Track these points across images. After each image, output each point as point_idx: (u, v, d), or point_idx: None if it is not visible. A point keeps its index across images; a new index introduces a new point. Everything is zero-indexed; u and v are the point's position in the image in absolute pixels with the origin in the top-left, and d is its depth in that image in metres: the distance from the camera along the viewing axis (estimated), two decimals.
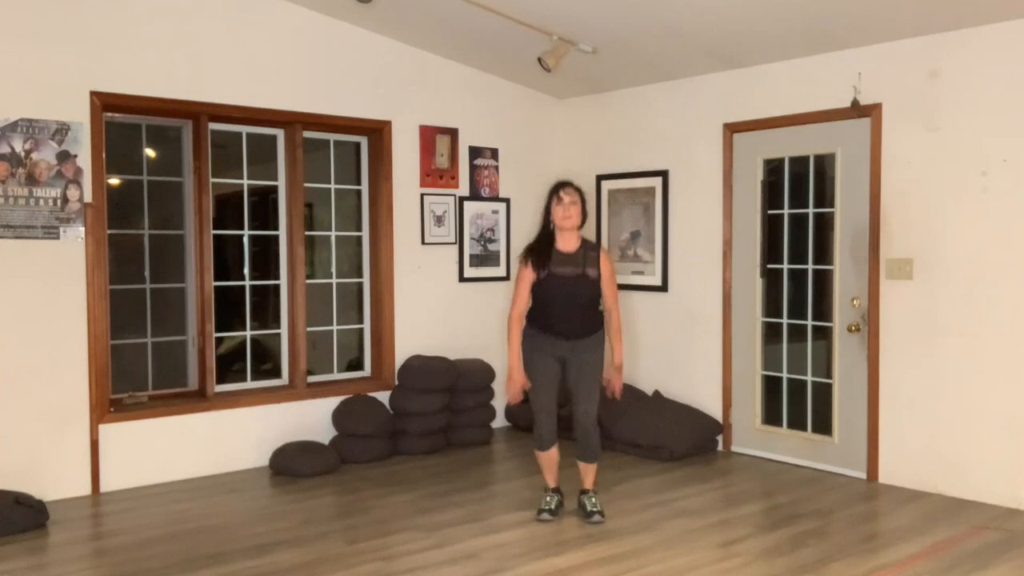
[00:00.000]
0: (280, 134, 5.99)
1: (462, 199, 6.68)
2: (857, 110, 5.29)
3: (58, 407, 5.01)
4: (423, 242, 6.48)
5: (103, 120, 5.17)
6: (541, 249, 4.62)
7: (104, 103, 5.14)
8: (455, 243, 6.66)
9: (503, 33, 5.66)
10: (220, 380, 5.84)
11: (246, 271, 6.07)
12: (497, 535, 4.42)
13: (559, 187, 4.65)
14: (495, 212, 6.86)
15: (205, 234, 5.61)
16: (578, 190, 4.66)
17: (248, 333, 6.10)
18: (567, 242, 4.61)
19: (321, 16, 5.89)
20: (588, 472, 4.75)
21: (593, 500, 4.71)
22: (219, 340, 5.94)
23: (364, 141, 6.40)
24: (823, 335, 5.64)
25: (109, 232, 5.28)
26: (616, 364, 4.69)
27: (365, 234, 6.41)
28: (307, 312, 6.02)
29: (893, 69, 5.16)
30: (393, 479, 5.49)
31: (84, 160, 5.07)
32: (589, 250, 4.64)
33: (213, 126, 5.66)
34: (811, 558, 4.05)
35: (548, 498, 4.75)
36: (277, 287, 6.06)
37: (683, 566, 3.97)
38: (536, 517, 4.68)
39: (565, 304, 4.56)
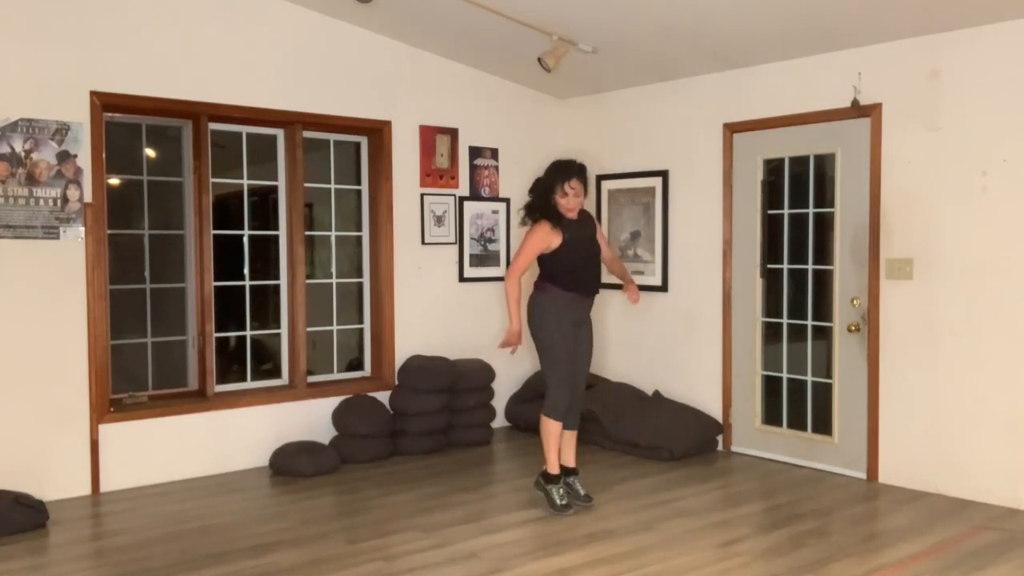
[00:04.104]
0: (280, 134, 5.99)
1: (462, 199, 6.68)
2: (857, 110, 5.29)
3: (58, 407, 5.01)
4: (423, 242, 6.48)
5: (103, 120, 5.17)
6: (555, 217, 4.73)
7: (104, 103, 5.14)
8: (455, 243, 6.66)
9: (503, 33, 5.66)
10: (225, 378, 5.85)
11: (246, 271, 6.06)
12: (497, 535, 4.42)
13: (565, 177, 4.70)
14: (495, 212, 6.86)
15: (205, 234, 5.61)
16: (582, 179, 4.78)
17: (248, 333, 6.09)
18: (570, 213, 4.80)
19: (321, 16, 5.89)
20: (573, 443, 4.96)
21: (580, 481, 4.94)
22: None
23: (364, 141, 6.40)
24: (823, 335, 5.64)
25: (109, 232, 5.28)
26: (631, 280, 5.17)
27: (365, 234, 6.41)
28: (307, 312, 6.02)
29: (893, 69, 5.16)
30: (393, 479, 5.49)
31: (84, 160, 5.07)
32: (584, 214, 4.91)
33: (213, 126, 5.66)
34: (811, 558, 4.05)
35: (560, 491, 4.79)
36: (277, 287, 6.06)
37: (683, 566, 3.97)
38: (562, 513, 4.70)
39: (588, 264, 4.85)
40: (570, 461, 4.93)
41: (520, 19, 5.37)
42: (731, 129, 6.02)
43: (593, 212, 6.84)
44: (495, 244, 6.87)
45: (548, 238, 4.69)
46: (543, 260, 4.78)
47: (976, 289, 4.89)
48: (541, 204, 4.75)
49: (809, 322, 5.72)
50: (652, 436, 5.92)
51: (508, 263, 6.83)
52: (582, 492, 4.88)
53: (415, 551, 4.19)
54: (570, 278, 4.75)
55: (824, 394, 5.63)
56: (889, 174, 5.21)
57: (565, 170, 4.72)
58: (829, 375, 5.59)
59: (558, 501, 4.75)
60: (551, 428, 4.78)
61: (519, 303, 4.77)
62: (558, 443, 4.81)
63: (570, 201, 4.69)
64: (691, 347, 6.33)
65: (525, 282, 4.85)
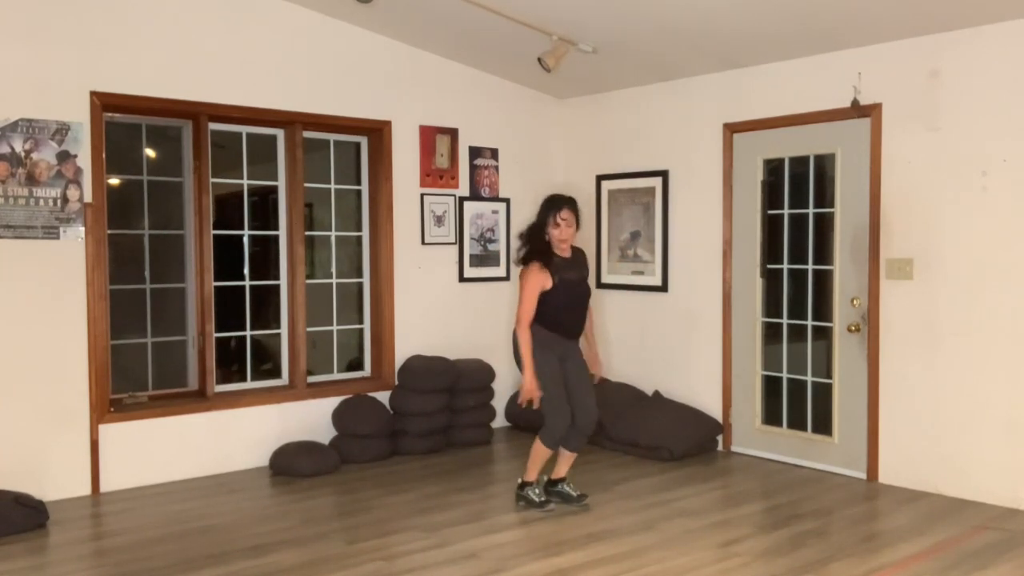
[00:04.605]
0: (280, 134, 5.99)
1: (462, 199, 6.68)
2: (857, 110, 5.29)
3: (58, 407, 5.00)
4: (423, 242, 6.48)
5: (103, 120, 5.17)
6: (547, 257, 4.71)
7: (104, 103, 5.14)
8: (455, 243, 6.66)
9: (503, 33, 5.66)
10: (225, 378, 5.87)
11: (246, 271, 6.06)
12: (497, 535, 4.42)
13: (556, 208, 4.71)
14: (495, 212, 6.86)
15: (205, 234, 5.61)
16: (573, 210, 4.74)
17: (248, 333, 6.09)
18: (563, 250, 4.78)
19: (321, 16, 5.89)
20: (570, 461, 4.95)
21: (570, 485, 4.96)
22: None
23: (364, 141, 6.40)
24: (823, 335, 5.64)
25: (109, 232, 5.28)
26: (596, 352, 5.08)
27: (365, 234, 6.41)
28: (307, 312, 6.02)
29: (893, 69, 5.16)
30: (393, 479, 5.49)
31: (84, 160, 5.07)
32: (578, 254, 4.90)
33: (213, 126, 5.66)
34: (811, 558, 4.05)
35: (538, 490, 4.86)
36: (277, 287, 6.06)
37: (683, 566, 3.97)
38: (544, 510, 4.77)
39: (575, 306, 4.81)
40: (561, 473, 4.96)
41: (520, 19, 5.37)
42: (731, 129, 6.02)
43: (593, 212, 6.86)
44: (495, 244, 6.87)
45: (542, 280, 4.66)
46: None
47: (976, 289, 4.89)
48: (535, 242, 4.73)
49: (809, 322, 5.72)
50: (652, 436, 5.92)
51: (508, 263, 6.85)
52: (575, 493, 4.90)
53: (415, 551, 4.19)
54: (555, 319, 4.71)
55: (824, 394, 5.63)
56: (889, 174, 5.21)
57: (556, 202, 4.73)
58: (829, 375, 5.58)
59: (537, 499, 4.82)
60: (541, 452, 4.81)
61: (531, 350, 4.64)
62: (543, 464, 4.85)
63: (563, 232, 4.69)
64: (691, 347, 6.33)
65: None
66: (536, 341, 4.69)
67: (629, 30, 5.47)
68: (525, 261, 4.74)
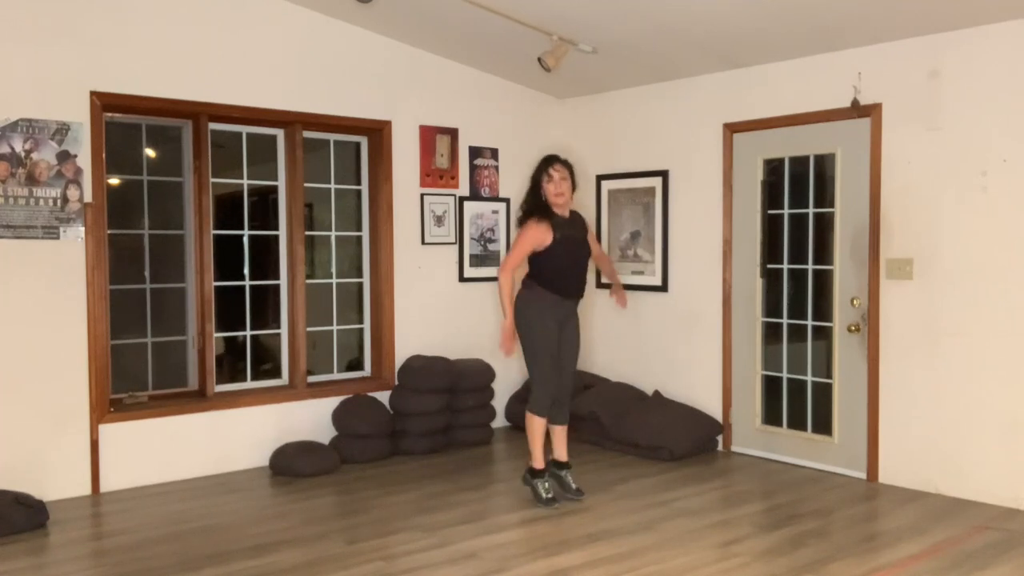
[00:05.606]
0: (280, 134, 5.99)
1: (462, 199, 6.68)
2: (857, 110, 5.29)
3: (58, 407, 5.01)
4: (423, 242, 6.48)
5: (103, 120, 5.17)
6: (548, 215, 4.79)
7: (104, 103, 5.14)
8: (455, 243, 6.66)
9: (503, 33, 5.66)
10: (226, 378, 5.87)
11: (246, 271, 6.06)
12: (497, 535, 4.42)
13: (548, 163, 4.83)
14: (495, 212, 6.86)
15: (205, 234, 5.61)
16: (566, 164, 4.85)
17: (248, 333, 6.09)
18: (562, 210, 4.86)
19: (321, 16, 5.89)
20: (563, 437, 5.01)
21: (572, 475, 5.01)
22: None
23: (364, 141, 6.40)
24: (823, 335, 5.64)
25: (109, 232, 5.28)
26: (619, 283, 5.33)
27: (365, 234, 6.41)
28: (307, 312, 6.02)
29: (893, 69, 5.16)
30: (393, 479, 5.49)
31: (84, 160, 5.07)
32: (576, 216, 4.98)
33: (213, 126, 5.66)
34: (811, 558, 4.05)
35: (546, 484, 4.88)
36: (277, 287, 6.06)
37: (683, 566, 3.97)
38: (548, 507, 4.79)
39: (576, 265, 4.89)
40: (561, 455, 5.00)
41: (520, 19, 5.37)
42: (731, 129, 6.02)
43: (593, 212, 6.87)
44: (495, 244, 6.87)
45: (540, 234, 4.75)
46: (532, 259, 4.84)
47: (976, 289, 4.89)
48: (532, 200, 4.84)
49: (809, 322, 5.72)
50: (652, 436, 5.92)
51: None
52: (573, 486, 4.96)
53: (415, 551, 4.19)
54: (556, 280, 4.80)
55: (824, 394, 5.63)
56: (889, 174, 5.21)
57: (548, 158, 4.86)
58: (829, 375, 5.59)
59: (544, 495, 4.83)
60: (535, 424, 4.86)
61: (512, 297, 4.83)
62: (542, 438, 4.90)
63: (557, 185, 4.76)
64: (691, 347, 6.33)
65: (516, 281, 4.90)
66: (536, 303, 4.79)
67: (629, 30, 5.47)
68: (523, 219, 4.84)
